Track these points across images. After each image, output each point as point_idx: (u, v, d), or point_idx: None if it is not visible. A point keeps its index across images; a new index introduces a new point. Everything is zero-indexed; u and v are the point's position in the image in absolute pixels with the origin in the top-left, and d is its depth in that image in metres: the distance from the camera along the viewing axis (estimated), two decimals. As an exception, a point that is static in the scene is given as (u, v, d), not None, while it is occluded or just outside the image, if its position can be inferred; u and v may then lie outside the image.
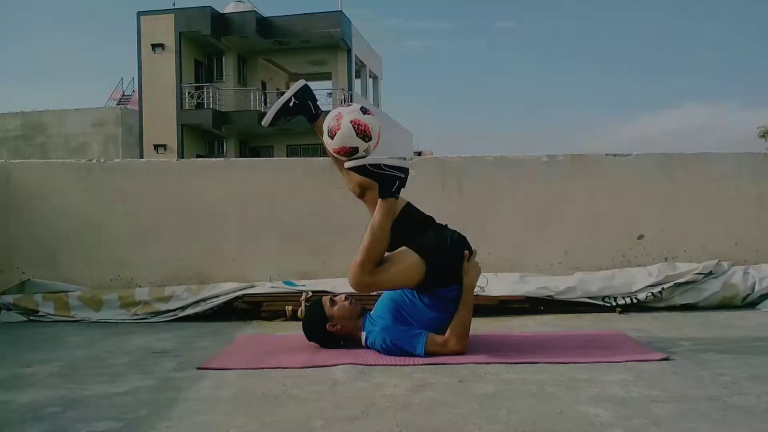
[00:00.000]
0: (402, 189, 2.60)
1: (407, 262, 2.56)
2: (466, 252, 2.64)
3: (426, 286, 2.61)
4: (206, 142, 25.39)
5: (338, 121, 2.56)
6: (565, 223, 4.12)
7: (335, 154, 2.65)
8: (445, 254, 2.60)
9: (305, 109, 2.82)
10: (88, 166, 4.21)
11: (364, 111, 2.60)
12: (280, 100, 2.82)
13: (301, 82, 2.87)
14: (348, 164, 2.55)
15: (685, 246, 4.09)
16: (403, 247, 2.61)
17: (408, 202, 2.73)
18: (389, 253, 2.62)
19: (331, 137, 2.57)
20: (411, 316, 2.63)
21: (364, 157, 2.57)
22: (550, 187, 4.14)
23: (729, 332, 3.06)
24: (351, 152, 2.57)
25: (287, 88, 29.37)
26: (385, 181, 2.57)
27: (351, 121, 2.54)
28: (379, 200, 2.59)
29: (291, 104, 2.79)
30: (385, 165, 2.55)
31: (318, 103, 2.84)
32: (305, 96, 2.82)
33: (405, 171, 2.59)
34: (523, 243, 4.12)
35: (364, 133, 2.54)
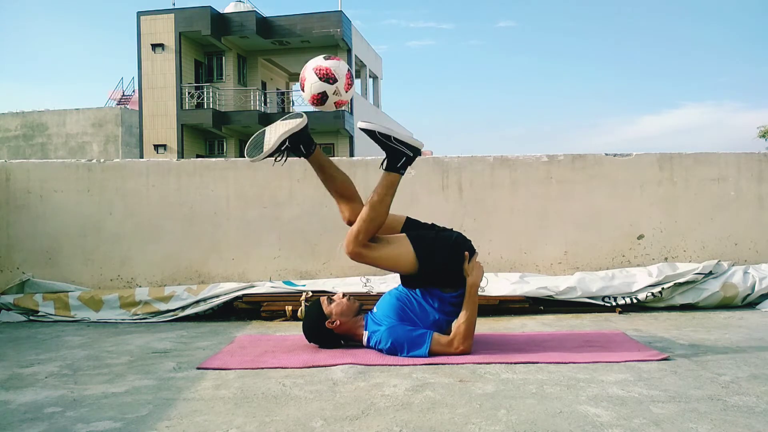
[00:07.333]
0: (408, 167, 2.64)
1: (401, 248, 2.60)
2: (467, 253, 2.65)
3: (421, 280, 2.64)
4: (206, 142, 25.35)
5: (304, 73, 2.65)
6: (565, 223, 4.12)
7: (311, 105, 2.68)
8: (441, 251, 2.61)
9: (296, 152, 2.70)
10: (88, 166, 4.21)
11: (327, 57, 2.67)
12: (273, 140, 2.66)
13: (303, 122, 2.66)
14: (360, 125, 2.61)
15: (685, 246, 4.09)
16: (403, 234, 2.66)
17: (407, 216, 2.78)
18: (390, 236, 2.66)
19: (303, 89, 2.65)
20: (416, 316, 2.64)
21: (341, 105, 2.63)
22: (550, 186, 4.14)
23: (729, 332, 3.06)
24: (321, 98, 2.61)
25: (287, 88, 28.99)
26: (392, 154, 2.61)
27: (313, 69, 2.62)
28: (383, 173, 2.62)
29: (283, 147, 2.68)
30: (395, 139, 2.60)
31: (311, 134, 2.70)
32: (298, 141, 2.68)
33: (415, 150, 2.62)
34: (523, 243, 4.12)
35: (327, 77, 2.61)
